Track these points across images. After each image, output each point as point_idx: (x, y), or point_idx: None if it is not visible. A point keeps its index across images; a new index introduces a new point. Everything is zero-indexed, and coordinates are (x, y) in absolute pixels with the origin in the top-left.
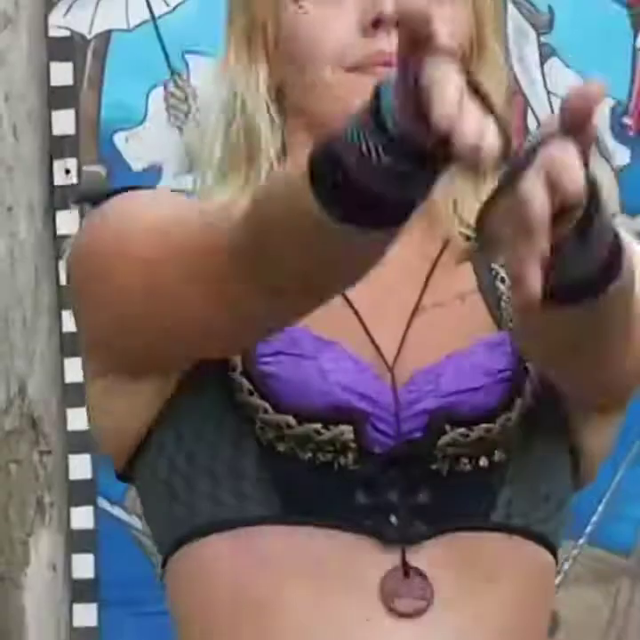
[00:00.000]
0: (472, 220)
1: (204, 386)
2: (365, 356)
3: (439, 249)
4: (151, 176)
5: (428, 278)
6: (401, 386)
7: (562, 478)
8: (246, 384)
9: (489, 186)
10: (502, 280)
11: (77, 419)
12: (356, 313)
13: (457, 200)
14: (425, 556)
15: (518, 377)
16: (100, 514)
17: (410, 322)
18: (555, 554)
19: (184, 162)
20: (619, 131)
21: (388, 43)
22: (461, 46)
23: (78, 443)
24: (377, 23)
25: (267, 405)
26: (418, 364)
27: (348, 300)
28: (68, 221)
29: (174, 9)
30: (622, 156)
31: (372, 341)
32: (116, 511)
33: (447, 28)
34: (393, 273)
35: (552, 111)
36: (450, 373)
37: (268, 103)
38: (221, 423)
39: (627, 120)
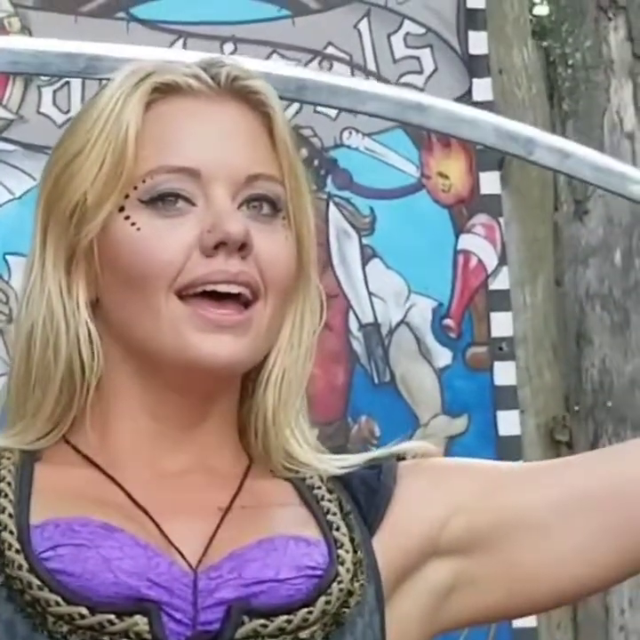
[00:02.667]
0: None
1: None
2: (159, 545)
3: (249, 460)
4: None
5: (241, 483)
6: (202, 573)
7: None
8: (35, 581)
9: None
10: (328, 500)
11: None
12: (139, 505)
13: (276, 419)
14: None
15: (327, 576)
16: None
17: (223, 518)
18: None
19: (7, 363)
20: (440, 332)
21: (225, 263)
22: (286, 274)
23: None
24: (220, 245)
25: (58, 598)
26: (223, 552)
27: (130, 497)
28: None
29: None
30: (444, 357)
31: (159, 528)
32: None
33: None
34: (203, 476)
35: (373, 312)
36: (256, 562)
37: (88, 326)
38: (12, 627)
39: (448, 322)
